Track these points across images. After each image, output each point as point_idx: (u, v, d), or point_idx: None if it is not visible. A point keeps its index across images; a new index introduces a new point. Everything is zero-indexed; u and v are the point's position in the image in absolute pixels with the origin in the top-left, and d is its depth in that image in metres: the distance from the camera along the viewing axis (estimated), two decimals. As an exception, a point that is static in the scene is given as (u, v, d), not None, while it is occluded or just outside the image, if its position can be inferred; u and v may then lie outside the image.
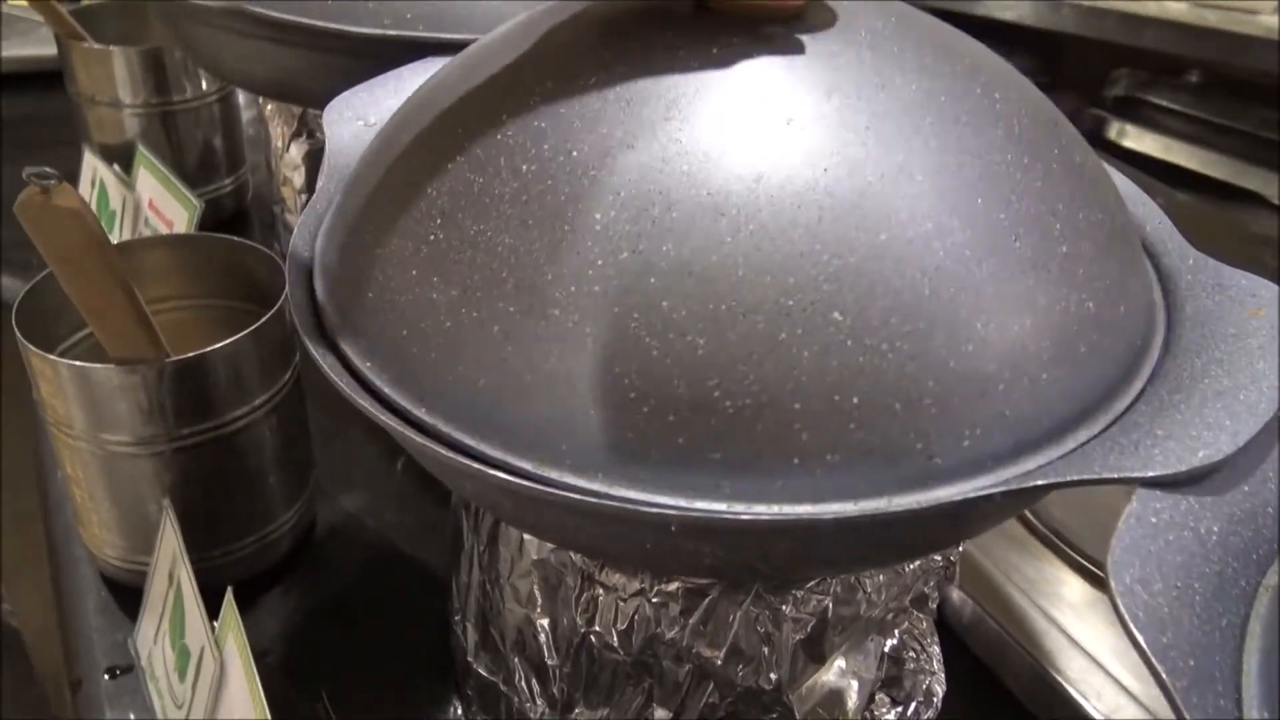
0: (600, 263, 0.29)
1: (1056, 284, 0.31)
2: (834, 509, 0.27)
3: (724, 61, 0.32)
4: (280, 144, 0.61)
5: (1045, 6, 1.56)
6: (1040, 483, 0.28)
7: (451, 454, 0.29)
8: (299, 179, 0.61)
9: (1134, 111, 1.77)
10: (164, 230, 0.65)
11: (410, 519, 0.53)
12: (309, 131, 0.59)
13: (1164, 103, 1.78)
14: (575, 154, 0.31)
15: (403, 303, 0.32)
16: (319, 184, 0.41)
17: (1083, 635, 0.49)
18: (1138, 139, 1.70)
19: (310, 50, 0.51)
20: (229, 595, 0.40)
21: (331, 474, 0.54)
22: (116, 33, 0.74)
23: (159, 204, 0.66)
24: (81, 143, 0.74)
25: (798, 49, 0.33)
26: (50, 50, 0.96)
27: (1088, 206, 0.34)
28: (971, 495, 0.28)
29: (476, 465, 0.29)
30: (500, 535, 0.39)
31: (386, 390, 0.32)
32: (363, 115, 0.45)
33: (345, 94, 0.46)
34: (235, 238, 0.51)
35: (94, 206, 0.71)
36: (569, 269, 0.30)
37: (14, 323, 0.45)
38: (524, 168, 0.31)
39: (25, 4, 0.69)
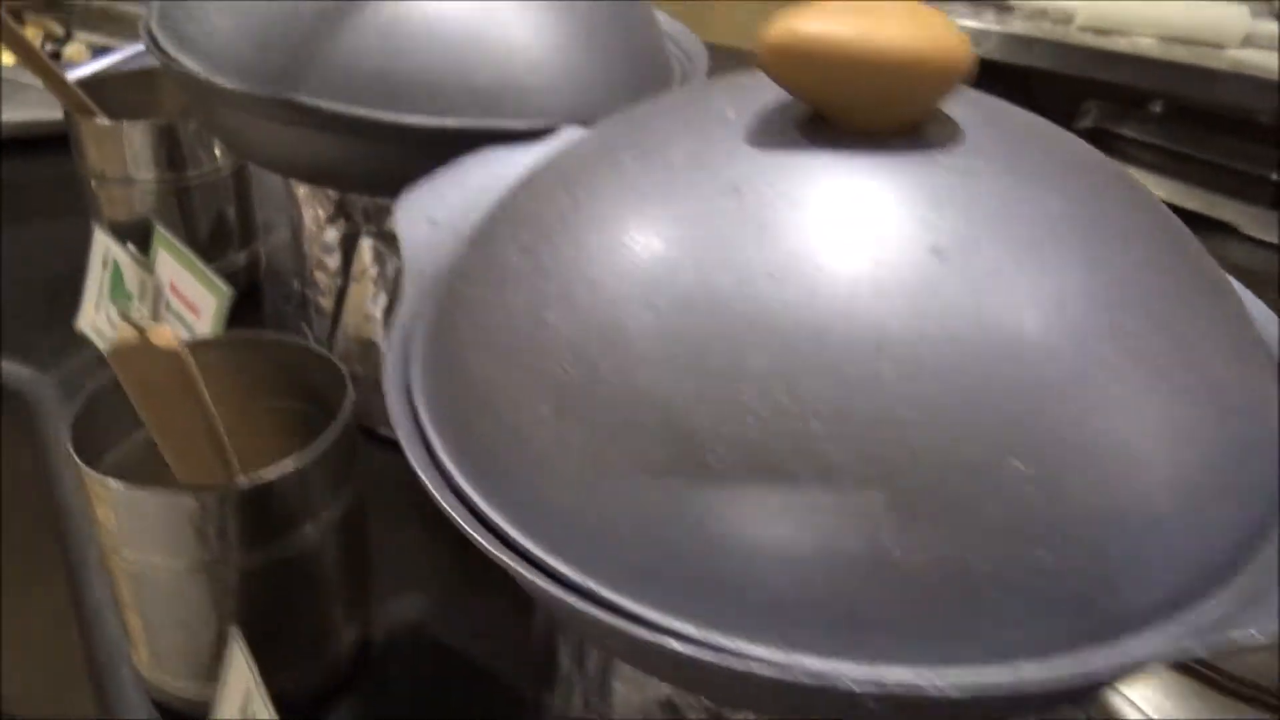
0: (756, 406, 0.28)
1: (1216, 410, 0.30)
2: (1033, 672, 0.26)
3: (857, 183, 0.31)
4: (314, 226, 0.58)
5: (1018, 42, 1.58)
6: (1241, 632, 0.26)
7: (616, 619, 0.27)
8: (333, 262, 0.59)
9: (1104, 144, 1.79)
10: (189, 317, 0.62)
11: (479, 623, 0.50)
12: (346, 215, 0.57)
13: (1133, 135, 1.81)
14: (717, 286, 0.29)
15: (533, 444, 0.30)
16: (406, 294, 0.39)
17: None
18: (1110, 171, 1.71)
19: (360, 139, 0.49)
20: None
21: (390, 575, 0.51)
22: (126, 104, 0.71)
23: (182, 287, 0.63)
24: (90, 219, 0.71)
25: (931, 168, 0.32)
26: (51, 114, 0.93)
27: (1231, 327, 0.33)
28: (1167, 650, 0.26)
29: (644, 632, 0.26)
30: (614, 670, 0.36)
31: (520, 539, 0.30)
32: (430, 215, 0.43)
33: (412, 193, 0.43)
34: (295, 340, 0.48)
35: (107, 288, 0.68)
36: (723, 414, 0.28)
37: (70, 446, 0.41)
38: (661, 302, 0.30)
39: (34, 77, 0.66)
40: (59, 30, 1.14)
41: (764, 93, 0.35)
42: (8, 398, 0.67)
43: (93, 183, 0.69)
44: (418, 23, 0.48)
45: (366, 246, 0.58)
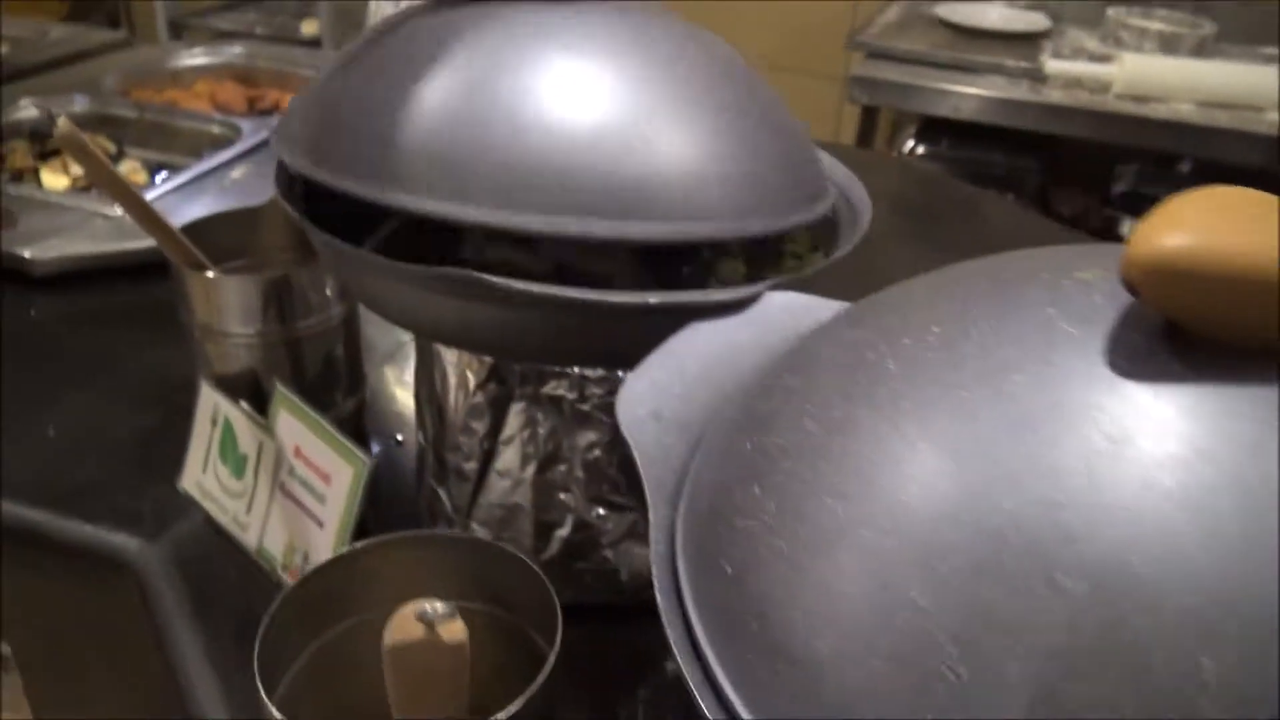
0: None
1: None
2: None
3: (1215, 410, 0.27)
4: (460, 389, 0.53)
5: (1056, 113, 1.56)
6: None
7: None
8: (481, 426, 0.54)
9: (1140, 206, 1.77)
10: (320, 485, 0.56)
11: None
12: (500, 378, 0.52)
13: (1167, 195, 1.78)
14: (1032, 533, 0.25)
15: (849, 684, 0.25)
16: (652, 507, 0.34)
17: None
18: (1151, 235, 1.68)
19: (542, 312, 0.44)
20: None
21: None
22: (223, 244, 0.67)
23: (310, 453, 0.58)
24: (196, 371, 0.66)
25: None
26: (100, 247, 0.88)
27: None
28: None
29: None
30: None
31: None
32: (653, 410, 0.39)
33: (629, 388, 0.39)
34: (501, 545, 0.43)
35: (217, 449, 0.63)
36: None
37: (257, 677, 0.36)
38: (973, 543, 0.25)
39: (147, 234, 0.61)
40: (110, 147, 1.10)
41: (1089, 290, 0.31)
42: (115, 569, 0.61)
43: (197, 334, 0.64)
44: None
45: (518, 410, 0.53)
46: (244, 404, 0.61)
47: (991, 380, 0.29)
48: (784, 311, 0.44)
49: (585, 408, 0.52)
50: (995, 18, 1.80)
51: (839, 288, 0.45)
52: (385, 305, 0.50)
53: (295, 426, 0.59)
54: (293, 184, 0.52)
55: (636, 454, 0.36)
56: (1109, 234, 1.70)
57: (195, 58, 1.27)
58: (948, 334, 0.32)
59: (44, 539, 0.62)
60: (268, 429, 0.60)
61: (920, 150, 1.80)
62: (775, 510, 0.31)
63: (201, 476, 0.64)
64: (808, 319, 0.44)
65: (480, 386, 0.53)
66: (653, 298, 0.42)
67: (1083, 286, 0.32)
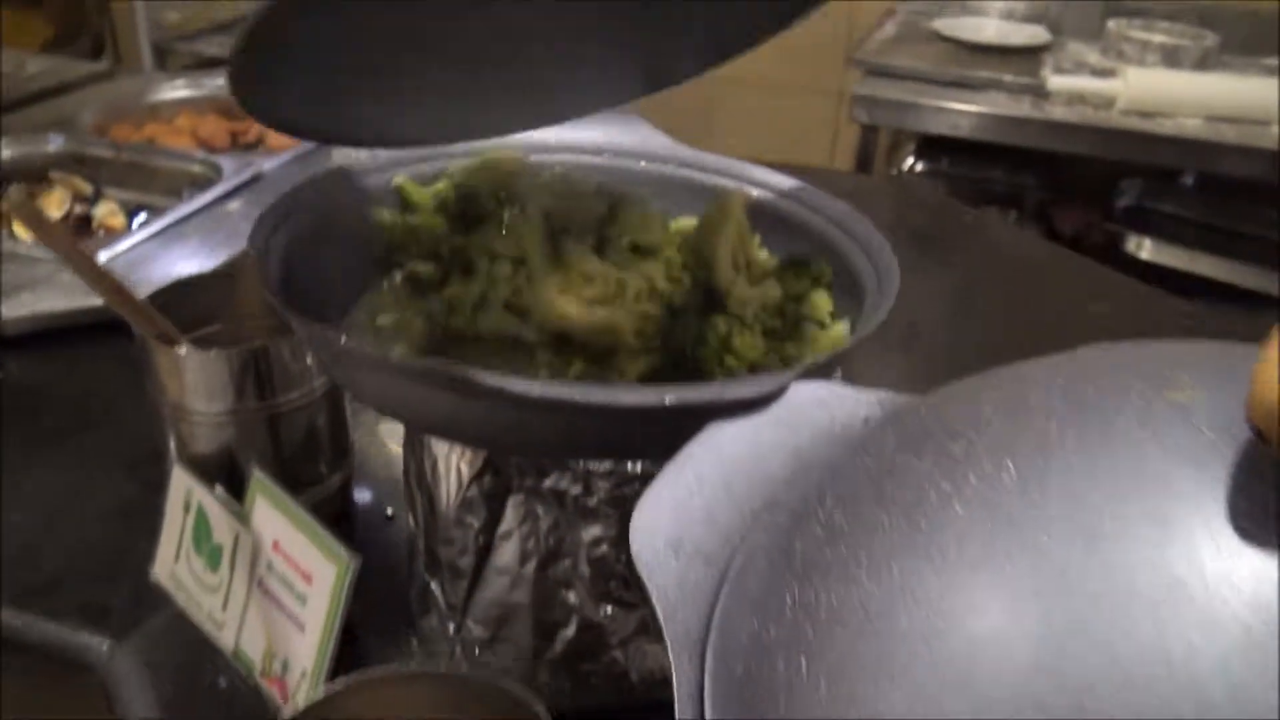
0: None
1: None
2: None
3: None
4: (454, 480, 0.48)
5: (1060, 129, 1.51)
6: None
7: None
8: (476, 520, 0.48)
9: (1143, 221, 1.72)
10: (301, 585, 0.51)
11: None
12: (496, 470, 0.47)
13: (1171, 210, 1.74)
14: None
15: None
16: (674, 663, 0.29)
17: None
18: (1157, 251, 1.64)
19: (543, 412, 0.39)
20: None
21: None
22: (196, 310, 0.61)
23: (290, 548, 0.52)
24: (166, 458, 0.60)
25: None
26: (75, 303, 0.82)
27: None
28: None
29: None
30: None
31: None
32: (671, 538, 0.33)
33: (644, 513, 0.33)
34: (511, 684, 0.38)
35: (190, 538, 0.57)
36: None
37: None
38: None
39: (103, 300, 0.55)
40: (87, 189, 1.05)
41: (1189, 418, 0.26)
42: (81, 672, 0.56)
43: (166, 411, 0.58)
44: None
45: (517, 503, 0.47)
46: (219, 489, 0.56)
47: (1087, 542, 0.24)
48: (814, 404, 0.39)
49: (590, 502, 0.47)
50: (994, 32, 1.75)
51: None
52: (368, 394, 0.44)
53: (274, 517, 0.53)
54: (268, 250, 0.47)
55: (656, 601, 0.31)
56: (1112, 250, 1.66)
57: (176, 90, 1.21)
58: (1025, 473, 0.27)
59: (3, 638, 0.57)
60: (244, 519, 0.54)
61: (920, 168, 1.75)
62: (827, 694, 0.25)
63: (175, 566, 0.59)
64: (840, 412, 0.39)
65: (475, 479, 0.48)
66: (668, 396, 0.37)
67: (1180, 413, 0.27)
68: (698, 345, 0.46)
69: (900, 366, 0.77)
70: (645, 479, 0.46)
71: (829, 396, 0.39)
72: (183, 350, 0.56)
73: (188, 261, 0.87)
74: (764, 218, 0.58)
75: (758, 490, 0.36)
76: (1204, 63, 1.61)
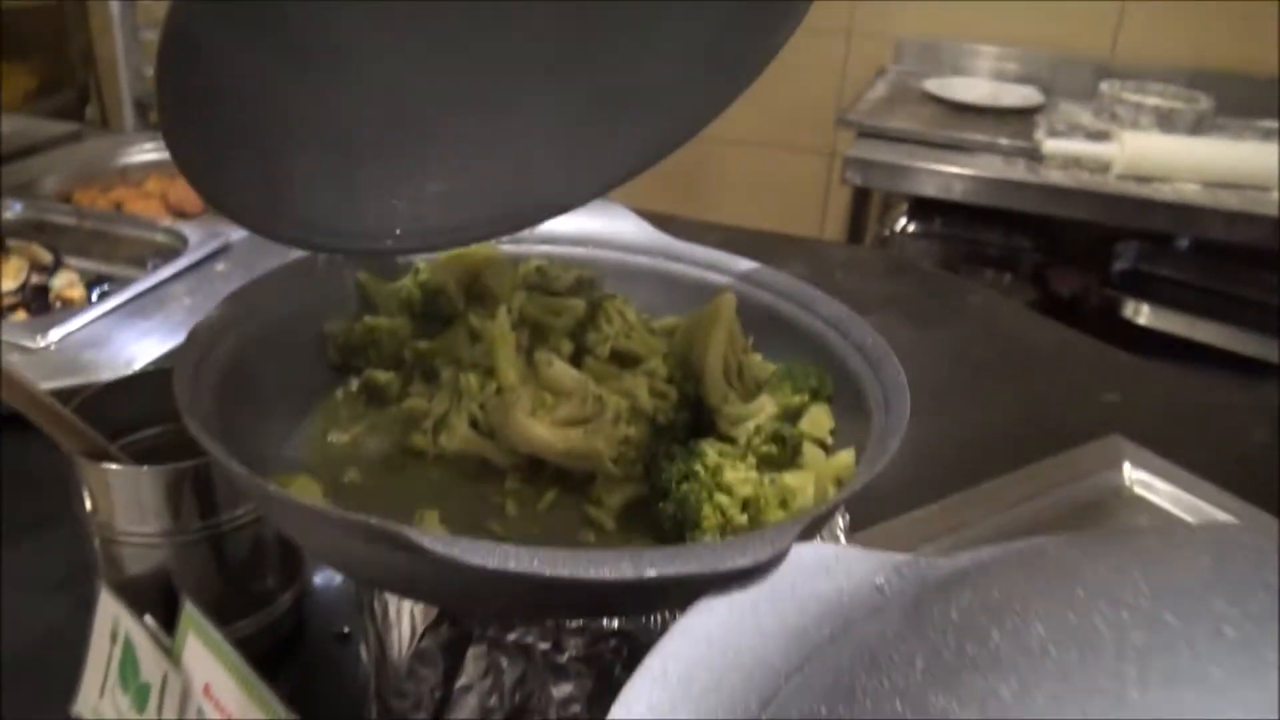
0: None
1: None
2: None
3: None
4: (406, 629, 0.42)
5: (1055, 194, 1.47)
6: None
7: None
8: (433, 675, 0.42)
9: (1140, 285, 1.68)
10: (233, 739, 0.45)
11: None
12: (453, 619, 0.41)
13: (1168, 273, 1.70)
14: None
15: None
16: None
17: None
18: (1155, 317, 1.60)
19: (502, 583, 0.33)
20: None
21: None
22: (134, 412, 0.55)
23: (221, 695, 0.46)
24: (95, 578, 0.54)
25: None
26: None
27: None
28: None
29: None
30: None
31: None
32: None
33: (632, 693, 0.28)
34: None
35: (116, 672, 0.51)
36: None
37: None
38: None
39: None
40: (46, 258, 0.99)
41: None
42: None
43: (94, 530, 0.52)
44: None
45: (478, 654, 0.42)
46: (149, 620, 0.49)
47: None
48: (818, 572, 0.33)
49: (560, 659, 0.41)
50: (986, 92, 1.72)
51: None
52: (306, 545, 0.39)
53: (205, 658, 0.47)
54: (199, 381, 0.42)
55: None
56: (1110, 314, 1.61)
57: (146, 153, 1.16)
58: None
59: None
60: (173, 657, 0.48)
61: (912, 229, 1.71)
62: None
63: (99, 702, 0.52)
64: (849, 581, 0.33)
65: (430, 629, 0.42)
66: (649, 569, 0.31)
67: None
68: (684, 479, 0.41)
69: (902, 462, 0.71)
70: (623, 636, 0.40)
71: (834, 563, 0.33)
72: (113, 468, 0.50)
73: (145, 340, 0.82)
74: (757, 318, 0.53)
75: (756, 686, 0.30)
76: (1199, 126, 1.58)
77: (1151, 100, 1.62)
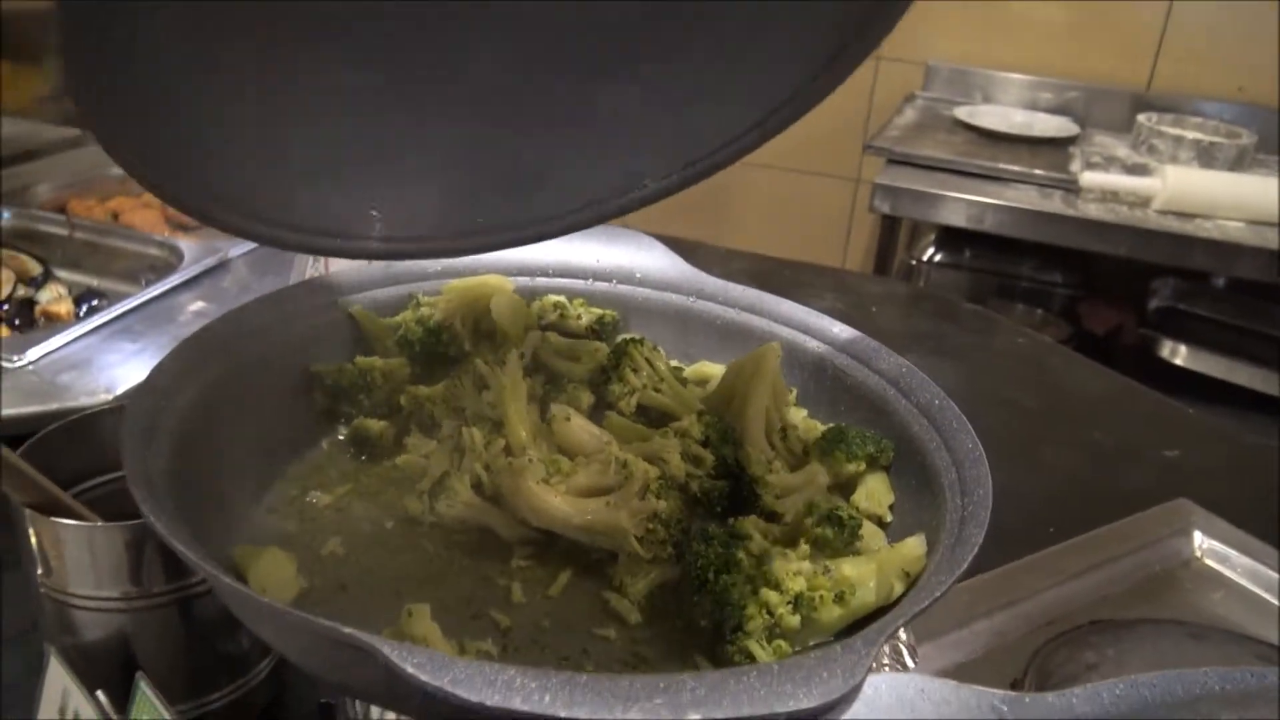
0: None
1: None
2: None
3: None
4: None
5: (1092, 228, 1.40)
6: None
7: None
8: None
9: (1176, 323, 1.61)
10: None
11: None
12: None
13: (1205, 312, 1.63)
14: None
15: None
16: None
17: None
18: (1193, 359, 1.52)
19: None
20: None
21: None
22: (94, 456, 0.49)
23: (176, 794, 0.40)
24: (44, 642, 0.47)
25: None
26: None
27: None
28: None
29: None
30: None
31: None
32: None
33: None
34: None
35: (63, 755, 0.44)
36: None
37: None
38: None
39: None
40: (35, 269, 0.93)
41: None
42: None
43: (43, 591, 0.46)
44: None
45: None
46: (102, 697, 0.43)
47: None
48: (899, 709, 0.26)
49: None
50: (1019, 121, 1.66)
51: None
52: (280, 647, 0.32)
53: (160, 749, 0.40)
54: (156, 429, 0.35)
55: None
56: (1146, 353, 1.54)
57: (148, 162, 1.10)
58: None
59: None
60: (126, 742, 0.41)
61: (939, 259, 1.65)
62: None
63: (44, 788, 0.45)
64: (930, 711, 0.26)
65: (418, 738, 0.35)
66: (693, 711, 0.24)
67: None
68: (724, 568, 0.34)
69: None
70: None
71: (919, 699, 0.27)
72: (64, 523, 0.43)
73: (130, 364, 0.75)
74: (802, 370, 0.46)
75: None
76: (1240, 162, 1.51)
77: (1191, 134, 1.55)
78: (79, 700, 0.44)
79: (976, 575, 0.58)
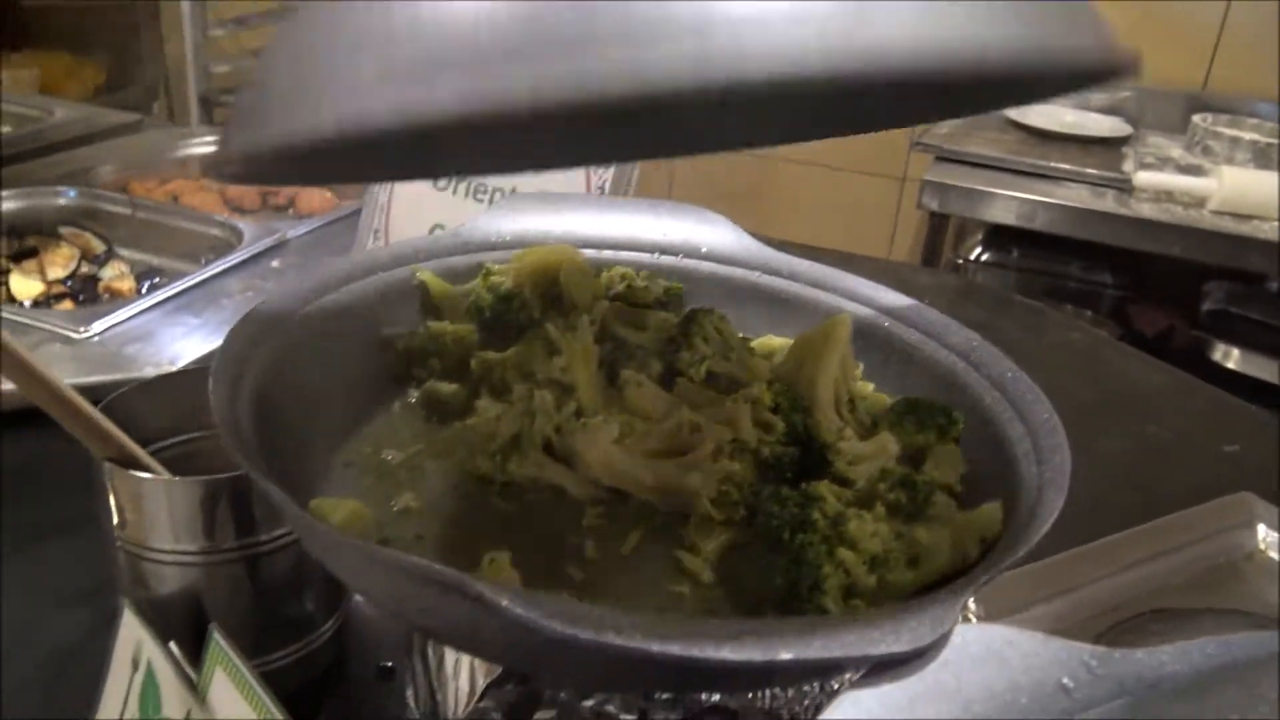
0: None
1: None
2: None
3: None
4: (466, 684, 0.36)
5: (1145, 228, 1.38)
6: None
7: None
8: (491, 738, 0.36)
9: (1228, 326, 1.59)
10: (258, 799, 0.39)
11: None
12: (519, 679, 0.35)
13: (1258, 316, 1.60)
14: None
15: None
16: None
17: None
18: (1246, 362, 1.50)
19: (593, 655, 0.27)
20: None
21: None
22: (170, 415, 0.50)
23: (248, 742, 0.40)
24: (118, 595, 0.48)
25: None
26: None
27: None
28: None
29: None
30: None
31: None
32: None
33: None
34: None
35: (136, 702, 0.45)
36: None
37: None
38: None
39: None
40: (98, 247, 0.95)
41: None
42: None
43: (120, 545, 0.47)
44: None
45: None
46: (174, 648, 0.44)
47: None
48: (988, 661, 0.26)
49: (646, 734, 0.34)
50: (1072, 121, 1.64)
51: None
52: (364, 588, 0.32)
53: (233, 699, 0.41)
54: (240, 385, 0.36)
55: None
56: (1197, 356, 1.52)
57: (206, 146, 1.13)
58: None
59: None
60: (199, 693, 0.42)
61: (986, 258, 1.63)
62: None
63: (117, 736, 0.46)
64: (1025, 675, 0.26)
65: (493, 687, 0.35)
66: (785, 652, 0.25)
67: None
68: (799, 528, 0.34)
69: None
70: (721, 713, 0.33)
71: (1006, 650, 0.27)
72: (142, 476, 0.44)
73: (191, 337, 0.77)
74: (870, 344, 0.46)
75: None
76: (1298, 163, 1.48)
77: (1248, 135, 1.53)
78: (152, 650, 0.45)
79: (1036, 561, 0.57)
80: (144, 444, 0.47)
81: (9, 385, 0.65)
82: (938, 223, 1.56)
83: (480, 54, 0.18)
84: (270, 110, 0.22)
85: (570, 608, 0.25)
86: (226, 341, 0.37)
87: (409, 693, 0.44)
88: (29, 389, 0.41)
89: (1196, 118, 1.59)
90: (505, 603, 0.25)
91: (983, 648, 0.26)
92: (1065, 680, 0.26)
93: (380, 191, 0.63)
